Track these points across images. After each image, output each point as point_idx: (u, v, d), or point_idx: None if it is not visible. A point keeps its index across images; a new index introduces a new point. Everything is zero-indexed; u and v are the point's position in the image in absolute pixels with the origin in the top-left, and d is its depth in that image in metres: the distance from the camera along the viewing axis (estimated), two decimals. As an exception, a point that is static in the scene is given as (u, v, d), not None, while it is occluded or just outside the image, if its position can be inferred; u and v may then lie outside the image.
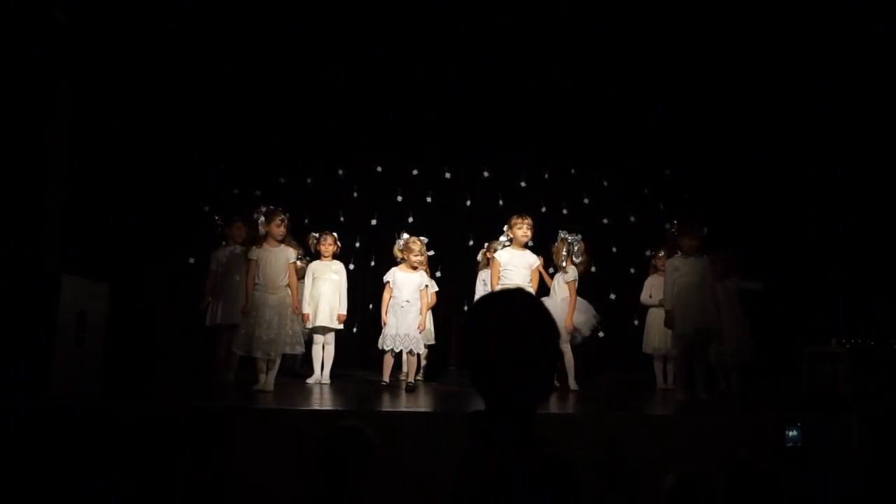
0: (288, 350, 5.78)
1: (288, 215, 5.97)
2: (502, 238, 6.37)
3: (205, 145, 7.70)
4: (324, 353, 6.47)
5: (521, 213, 6.24)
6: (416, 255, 6.25)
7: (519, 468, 1.41)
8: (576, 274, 6.46)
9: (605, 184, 8.45)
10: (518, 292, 1.61)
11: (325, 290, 6.50)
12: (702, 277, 5.71)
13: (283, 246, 5.83)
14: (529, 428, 1.49)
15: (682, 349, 5.72)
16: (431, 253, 6.57)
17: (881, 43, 6.28)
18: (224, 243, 6.56)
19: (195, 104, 7.31)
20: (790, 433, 3.88)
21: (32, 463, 3.92)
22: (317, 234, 6.66)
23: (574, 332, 6.31)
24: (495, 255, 6.22)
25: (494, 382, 1.50)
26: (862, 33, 6.27)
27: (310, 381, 6.39)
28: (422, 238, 6.39)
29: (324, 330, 6.46)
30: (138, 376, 6.04)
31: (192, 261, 7.59)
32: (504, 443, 1.46)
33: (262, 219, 5.84)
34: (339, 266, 6.64)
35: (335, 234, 6.70)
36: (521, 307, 1.54)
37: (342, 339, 6.80)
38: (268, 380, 5.60)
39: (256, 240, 5.85)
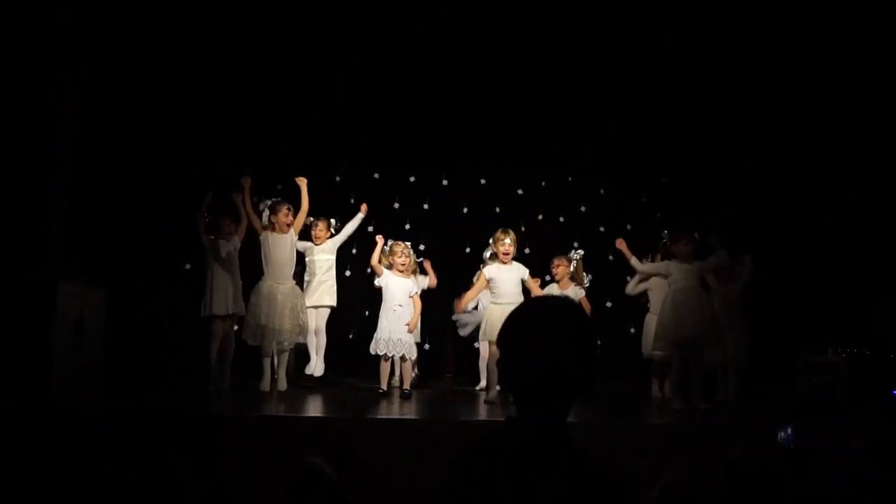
0: (299, 339, 5.86)
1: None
2: (486, 254, 6.35)
3: (203, 151, 7.70)
4: (317, 340, 6.45)
5: (505, 229, 6.15)
6: (399, 258, 6.21)
7: (558, 475, 1.44)
8: (583, 292, 6.54)
9: (602, 192, 8.46)
10: (561, 300, 1.66)
11: (320, 269, 6.48)
12: (696, 283, 5.73)
13: (289, 233, 5.96)
14: (562, 433, 1.52)
15: (678, 357, 5.73)
16: (420, 259, 6.56)
17: (882, 43, 6.29)
18: (213, 237, 6.53)
19: (194, 110, 7.32)
20: (782, 434, 3.89)
21: (31, 469, 3.91)
22: (311, 219, 6.60)
23: None
24: (483, 270, 6.14)
25: (531, 387, 1.53)
26: (862, 33, 6.29)
27: (307, 369, 6.39)
28: (406, 242, 6.38)
29: (316, 307, 6.42)
30: (138, 381, 6.04)
31: (188, 266, 7.59)
32: (539, 449, 1.49)
33: (268, 211, 5.96)
34: (331, 244, 6.57)
35: (332, 220, 6.68)
36: (564, 314, 1.57)
37: (338, 344, 6.79)
38: (279, 374, 5.75)
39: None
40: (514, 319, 1.60)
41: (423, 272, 6.86)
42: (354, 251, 8.20)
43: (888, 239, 6.71)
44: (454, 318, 6.94)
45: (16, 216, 4.99)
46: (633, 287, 6.76)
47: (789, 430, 3.97)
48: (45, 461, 3.94)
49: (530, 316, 1.60)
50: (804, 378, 5.54)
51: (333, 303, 6.50)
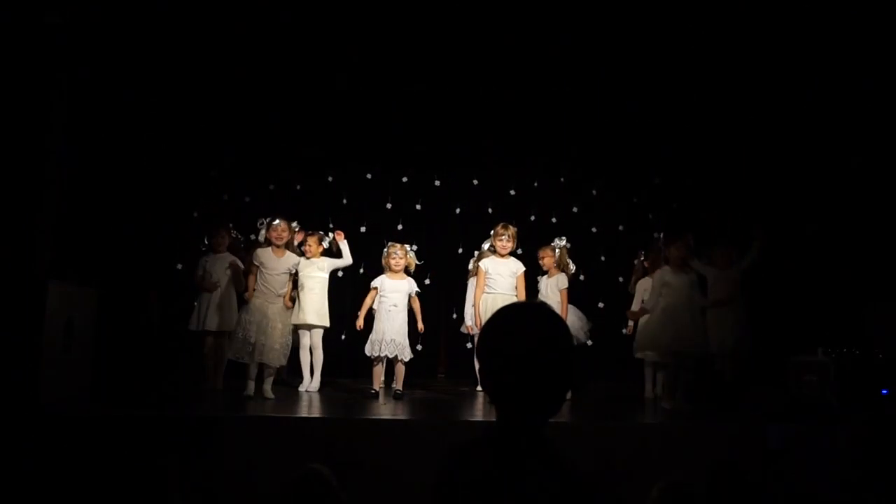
0: (281, 361, 5.86)
1: (296, 226, 6.15)
2: (485, 246, 6.39)
3: (196, 152, 7.67)
4: (312, 357, 6.46)
5: (506, 223, 6.25)
6: (393, 259, 6.23)
7: (538, 481, 1.44)
8: (567, 281, 6.52)
9: (594, 192, 8.47)
10: (535, 305, 1.64)
11: (312, 288, 6.45)
12: (689, 296, 5.73)
13: (287, 253, 5.96)
14: (543, 439, 1.52)
15: (674, 363, 5.75)
16: (420, 262, 6.54)
17: (881, 43, 6.29)
18: (212, 251, 6.55)
19: (185, 111, 7.30)
20: (771, 435, 3.91)
21: (22, 471, 3.90)
22: (301, 233, 6.60)
23: None
24: (479, 263, 6.26)
25: (509, 394, 1.53)
26: (860, 33, 6.29)
27: (301, 387, 6.38)
28: (406, 245, 6.39)
29: (309, 327, 6.44)
30: (130, 382, 6.01)
31: (179, 266, 7.57)
32: (520, 455, 1.49)
33: (264, 229, 5.98)
34: (325, 263, 6.56)
35: (321, 233, 6.66)
36: (539, 320, 1.57)
37: (330, 344, 6.77)
38: (265, 388, 5.71)
39: (257, 246, 6.01)
40: (491, 326, 1.60)
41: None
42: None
43: (880, 239, 6.72)
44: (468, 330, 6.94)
45: (8, 215, 4.93)
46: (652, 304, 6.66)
47: (778, 432, 3.99)
48: (35, 464, 3.92)
49: (507, 322, 1.59)
50: (794, 379, 5.56)
51: (327, 324, 6.50)
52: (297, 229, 6.40)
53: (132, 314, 7.00)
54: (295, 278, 6.30)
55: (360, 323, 6.27)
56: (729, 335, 6.10)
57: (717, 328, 6.03)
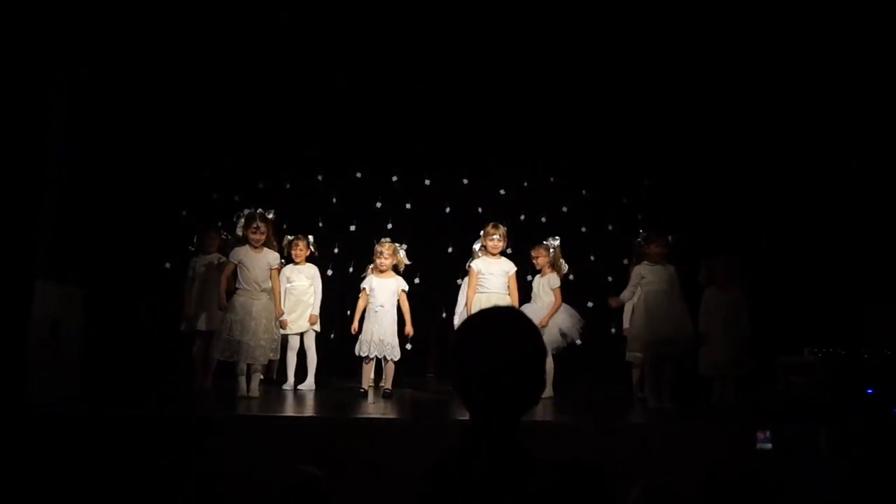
0: (271, 356, 5.85)
1: (272, 217, 6.00)
2: (475, 246, 6.41)
3: (194, 151, 7.67)
4: (307, 359, 6.49)
5: (496, 223, 6.27)
6: (378, 258, 6.23)
7: (537, 481, 1.48)
8: (559, 281, 6.53)
9: (584, 193, 8.50)
10: (506, 310, 1.68)
11: (301, 296, 6.53)
12: (669, 285, 5.76)
13: (266, 250, 5.87)
14: (516, 439, 1.56)
15: (651, 357, 5.76)
16: (408, 262, 6.55)
17: (875, 47, 6.33)
18: (202, 251, 6.55)
19: (175, 110, 7.29)
20: (761, 437, 3.93)
21: (18, 471, 3.90)
22: (290, 237, 6.65)
23: (563, 336, 6.38)
24: (471, 264, 6.26)
25: (481, 396, 1.57)
26: (855, 33, 6.32)
27: (285, 386, 6.41)
28: (396, 243, 6.39)
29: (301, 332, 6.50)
30: (119, 383, 5.99)
31: (167, 265, 7.56)
32: (513, 456, 1.52)
33: (242, 221, 5.89)
34: (312, 271, 6.64)
35: (310, 237, 6.69)
36: (510, 325, 1.60)
37: (319, 345, 6.79)
38: (252, 386, 5.68)
39: (238, 242, 5.91)
40: (463, 331, 1.63)
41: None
42: (336, 250, 8.20)
43: (880, 239, 6.75)
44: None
45: (8, 214, 4.91)
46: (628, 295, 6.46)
47: (768, 435, 4.01)
48: (29, 464, 3.92)
49: (479, 328, 1.63)
50: (781, 379, 5.58)
51: (318, 328, 6.58)
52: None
53: (124, 314, 6.99)
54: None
55: (354, 326, 6.27)
56: (734, 355, 5.90)
57: (719, 347, 5.92)
